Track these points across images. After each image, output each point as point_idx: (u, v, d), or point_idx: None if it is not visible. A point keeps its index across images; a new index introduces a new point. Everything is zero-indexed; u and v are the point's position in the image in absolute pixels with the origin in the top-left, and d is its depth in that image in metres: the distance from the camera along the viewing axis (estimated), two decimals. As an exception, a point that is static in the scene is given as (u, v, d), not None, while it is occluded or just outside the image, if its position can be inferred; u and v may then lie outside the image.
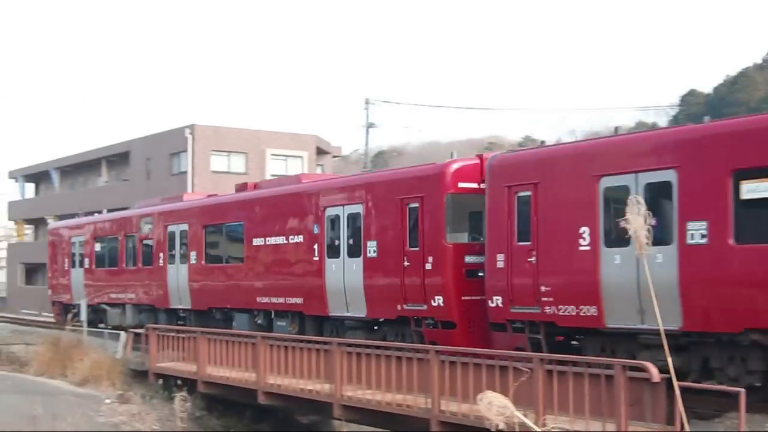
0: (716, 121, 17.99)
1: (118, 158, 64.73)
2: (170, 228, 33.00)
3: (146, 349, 28.32)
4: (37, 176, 79.62)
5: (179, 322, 32.11)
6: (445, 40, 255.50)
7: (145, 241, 35.06)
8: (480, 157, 22.02)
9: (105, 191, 65.55)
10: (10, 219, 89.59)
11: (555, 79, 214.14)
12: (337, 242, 24.66)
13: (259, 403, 22.99)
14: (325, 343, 21.23)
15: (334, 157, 67.44)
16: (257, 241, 27.95)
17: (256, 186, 30.74)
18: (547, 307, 18.62)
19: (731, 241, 15.68)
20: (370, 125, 65.26)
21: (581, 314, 18.05)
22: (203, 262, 31.04)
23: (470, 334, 20.88)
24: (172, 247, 32.77)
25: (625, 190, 17.12)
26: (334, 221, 24.79)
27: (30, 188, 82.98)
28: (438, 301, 21.18)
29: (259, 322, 28.05)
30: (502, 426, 4.47)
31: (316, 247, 25.22)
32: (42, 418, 17.83)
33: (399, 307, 22.33)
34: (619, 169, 17.70)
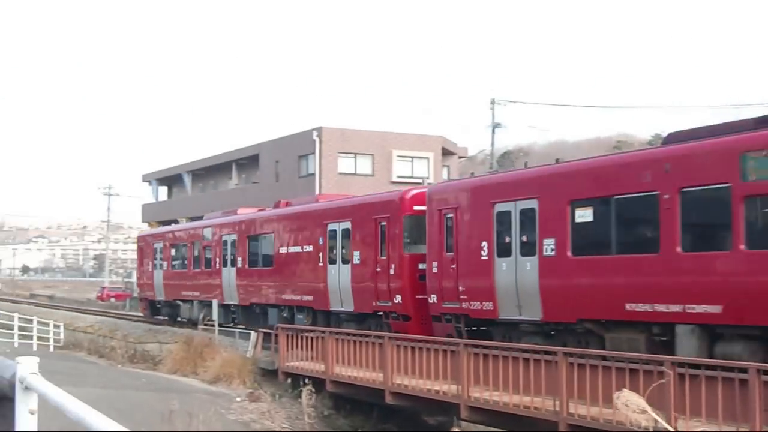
0: (561, 163, 24.40)
1: (247, 161, 65.60)
2: (224, 237, 39.73)
3: (275, 348, 28.78)
4: (170, 179, 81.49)
5: (232, 315, 38.66)
6: (574, 38, 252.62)
7: (207, 248, 41.77)
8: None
9: (235, 193, 66.67)
10: (144, 221, 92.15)
11: (685, 76, 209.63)
12: (334, 251, 30.67)
13: (386, 403, 23.13)
14: (451, 344, 21.28)
15: (460, 158, 67.09)
16: (282, 250, 34.16)
17: (287, 204, 36.45)
18: (463, 303, 24.02)
19: (569, 254, 21.04)
20: (495, 125, 64.84)
21: (483, 308, 23.51)
22: (246, 266, 37.28)
23: (422, 325, 26.33)
24: (225, 253, 39.37)
25: (508, 214, 23.09)
26: (333, 235, 30.75)
27: (163, 191, 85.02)
28: (398, 299, 27.09)
29: (285, 315, 33.76)
30: (644, 424, 4.45)
31: (321, 255, 31.22)
32: (176, 414, 18.28)
33: (374, 303, 28.12)
34: (505, 198, 23.32)
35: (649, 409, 4.47)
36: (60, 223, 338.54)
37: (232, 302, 38.15)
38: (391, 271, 27.30)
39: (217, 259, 39.81)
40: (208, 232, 41.54)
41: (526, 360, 18.58)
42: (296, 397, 25.80)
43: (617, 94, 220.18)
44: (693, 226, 18.91)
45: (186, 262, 44.12)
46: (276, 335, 28.87)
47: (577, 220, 20.86)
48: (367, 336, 24.95)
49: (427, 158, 57.31)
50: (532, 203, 22.16)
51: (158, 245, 48.16)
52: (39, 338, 42.61)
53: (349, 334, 25.73)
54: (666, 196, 18.16)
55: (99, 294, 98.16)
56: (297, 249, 32.88)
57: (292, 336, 28.03)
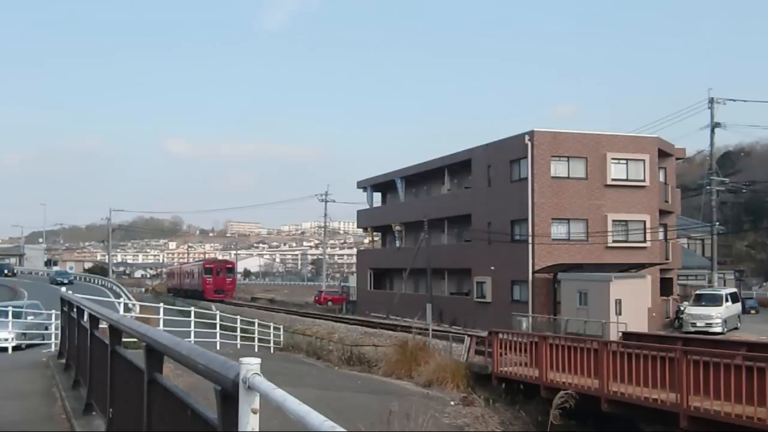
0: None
1: (459, 166, 65.73)
2: (184, 269, 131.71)
3: (489, 353, 28.77)
4: (384, 186, 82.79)
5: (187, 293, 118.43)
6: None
7: (185, 274, 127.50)
8: None
9: (447, 199, 67.13)
10: (358, 227, 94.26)
11: None
12: (197, 276, 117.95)
13: (601, 411, 22.71)
14: (669, 350, 20.70)
15: (678, 159, 65.20)
16: (189, 273, 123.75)
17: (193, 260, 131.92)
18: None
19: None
20: (715, 125, 62.68)
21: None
22: (181, 279, 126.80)
23: (212, 295, 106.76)
24: (186, 275, 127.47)
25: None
26: (193, 271, 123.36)
27: (377, 198, 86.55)
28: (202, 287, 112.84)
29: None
30: None
31: (198, 276, 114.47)
32: (394, 417, 18.50)
33: (204, 291, 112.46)
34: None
35: None
36: (280, 229, 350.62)
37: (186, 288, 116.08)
38: (209, 281, 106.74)
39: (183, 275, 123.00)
40: (186, 268, 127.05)
41: (750, 368, 17.85)
42: (510, 403, 25.67)
43: None
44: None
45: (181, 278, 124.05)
46: (488, 340, 28.85)
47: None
48: (579, 341, 24.61)
49: (642, 160, 55.94)
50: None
51: (177, 271, 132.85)
52: (260, 340, 44.08)
53: (561, 339, 25.46)
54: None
55: (317, 297, 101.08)
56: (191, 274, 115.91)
57: (505, 341, 27.96)
